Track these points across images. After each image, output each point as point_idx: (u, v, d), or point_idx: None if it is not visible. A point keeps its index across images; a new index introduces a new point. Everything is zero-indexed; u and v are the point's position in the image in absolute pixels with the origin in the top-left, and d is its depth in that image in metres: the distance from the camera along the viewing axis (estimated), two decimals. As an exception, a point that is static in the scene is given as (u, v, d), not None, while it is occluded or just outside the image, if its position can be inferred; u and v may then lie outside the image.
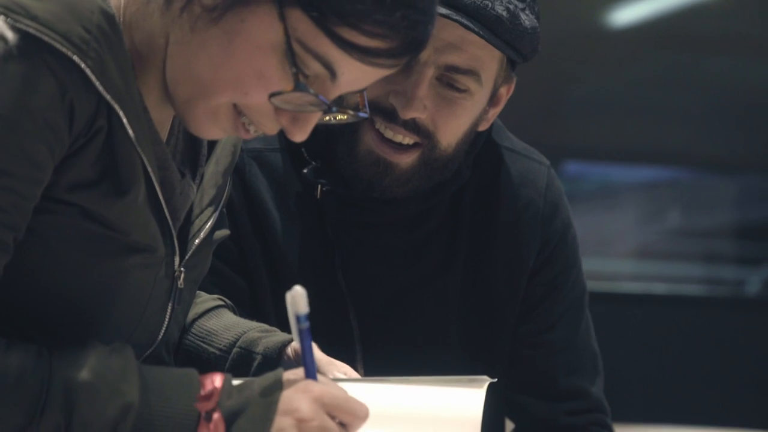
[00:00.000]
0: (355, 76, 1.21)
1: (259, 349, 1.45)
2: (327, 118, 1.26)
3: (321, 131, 1.71)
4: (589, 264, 5.32)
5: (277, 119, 1.23)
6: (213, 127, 1.25)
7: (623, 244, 5.15)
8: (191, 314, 1.51)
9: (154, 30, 1.23)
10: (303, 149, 1.74)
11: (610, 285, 4.95)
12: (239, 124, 1.24)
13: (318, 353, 1.42)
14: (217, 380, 1.20)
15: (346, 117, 1.27)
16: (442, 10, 1.60)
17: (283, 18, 1.17)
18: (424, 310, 1.77)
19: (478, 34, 1.61)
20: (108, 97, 1.18)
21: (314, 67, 1.19)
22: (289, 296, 1.20)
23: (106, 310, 1.25)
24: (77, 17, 1.16)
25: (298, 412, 1.18)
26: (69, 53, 1.15)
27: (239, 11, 1.18)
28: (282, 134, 1.75)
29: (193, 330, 1.50)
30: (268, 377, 1.21)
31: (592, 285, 5.06)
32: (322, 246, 1.74)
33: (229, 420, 1.18)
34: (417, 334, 1.76)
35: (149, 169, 1.23)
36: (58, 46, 1.15)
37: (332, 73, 1.20)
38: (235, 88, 1.20)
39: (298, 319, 1.20)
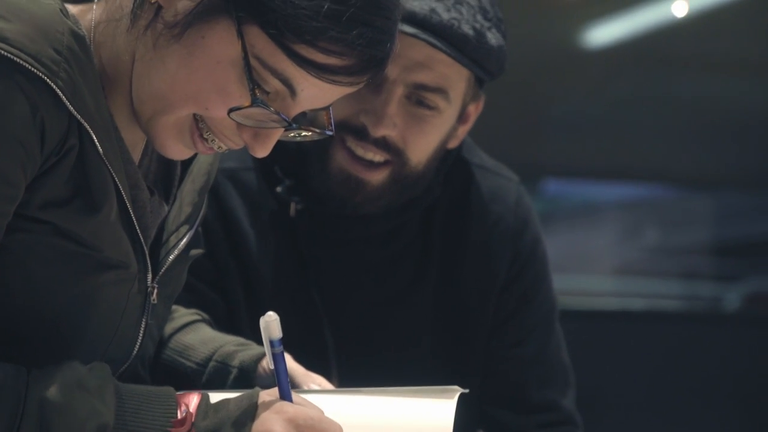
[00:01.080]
0: (315, 93, 1.23)
1: (236, 362, 1.47)
2: (292, 134, 1.28)
3: (293, 150, 1.75)
4: (569, 281, 5.35)
5: (239, 134, 1.25)
6: (176, 143, 1.26)
7: (602, 262, 5.19)
8: (168, 329, 1.53)
9: (121, 49, 1.26)
10: (276, 168, 1.77)
11: (590, 301, 4.98)
12: (197, 138, 1.25)
13: (294, 365, 1.44)
14: (193, 400, 1.21)
15: (311, 134, 1.29)
16: (410, 29, 1.63)
17: (241, 35, 1.19)
18: (397, 324, 1.79)
19: (445, 52, 1.64)
20: (78, 116, 1.20)
21: (273, 84, 1.21)
22: (263, 321, 1.22)
23: (81, 326, 1.27)
24: (48, 39, 1.18)
25: None
26: (40, 74, 1.17)
27: (199, 27, 1.20)
28: (256, 153, 1.79)
29: (170, 344, 1.52)
30: (243, 398, 1.23)
31: (571, 301, 5.10)
32: (296, 263, 1.77)
33: None
34: (391, 347, 1.79)
35: (120, 186, 1.25)
36: (29, 67, 1.17)
37: (291, 90, 1.22)
38: (195, 102, 1.22)
39: (272, 343, 1.23)
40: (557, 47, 4.88)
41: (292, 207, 1.76)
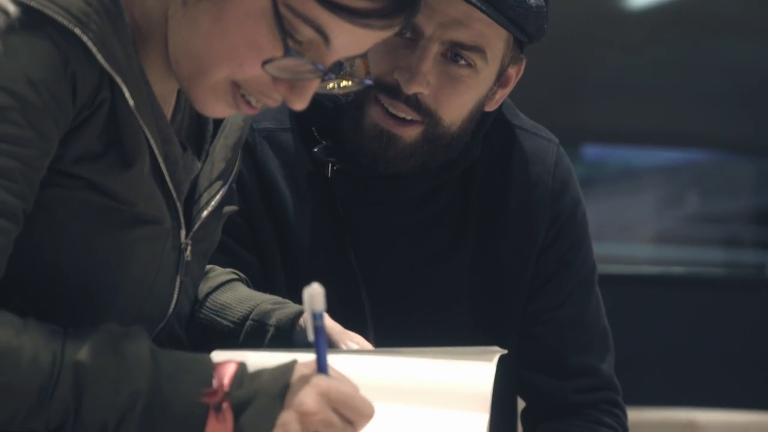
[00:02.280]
0: (349, 39, 1.21)
1: (272, 321, 1.46)
2: (331, 85, 1.26)
3: (330, 110, 1.73)
4: (609, 248, 5.33)
5: (276, 89, 1.23)
6: (216, 103, 1.25)
7: (643, 229, 5.15)
8: (205, 288, 1.52)
9: (153, 7, 1.24)
10: (313, 128, 1.75)
11: (631, 268, 4.95)
12: (240, 100, 1.24)
13: (331, 323, 1.43)
14: (230, 370, 1.20)
15: (350, 84, 1.27)
16: None
17: None
18: (434, 286, 1.78)
19: (481, 9, 1.62)
20: (110, 69, 1.19)
21: (306, 33, 1.19)
22: (307, 293, 1.20)
23: (116, 283, 1.26)
24: None
25: (303, 406, 1.18)
26: (71, 26, 1.16)
27: None
28: (292, 113, 1.78)
29: (207, 303, 1.51)
30: (280, 369, 1.21)
31: (612, 269, 5.07)
32: (333, 224, 1.75)
33: (238, 410, 1.18)
34: (428, 310, 1.78)
35: (151, 141, 1.24)
36: (59, 18, 1.16)
37: (325, 38, 1.20)
38: (229, 60, 1.20)
39: (314, 316, 1.21)
40: (598, 9, 4.84)
41: (330, 168, 1.74)
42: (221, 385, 1.18)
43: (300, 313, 1.45)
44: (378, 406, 1.26)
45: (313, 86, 1.23)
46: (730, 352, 4.44)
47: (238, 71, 1.22)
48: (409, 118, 1.68)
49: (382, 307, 1.75)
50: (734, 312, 4.48)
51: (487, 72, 1.70)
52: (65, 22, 1.16)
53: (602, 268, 5.01)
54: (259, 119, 1.76)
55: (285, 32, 1.18)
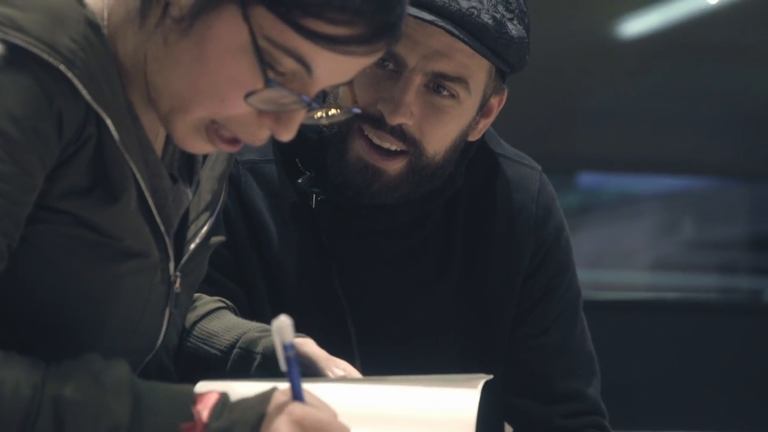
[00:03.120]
0: (331, 68, 1.21)
1: (259, 349, 1.47)
2: (318, 114, 1.27)
3: (314, 141, 1.75)
4: (605, 275, 5.32)
5: (260, 123, 1.23)
6: (195, 140, 1.26)
7: (639, 256, 5.16)
8: (192, 316, 1.53)
9: (135, 44, 1.26)
10: (297, 160, 1.77)
11: (627, 295, 4.95)
12: (216, 138, 1.25)
13: (317, 350, 1.44)
14: (210, 401, 1.21)
15: (337, 112, 1.28)
16: (428, 16, 1.63)
17: (247, 18, 1.18)
18: (420, 315, 1.79)
19: (463, 41, 1.64)
20: (95, 105, 1.21)
21: (287, 64, 1.20)
22: (275, 325, 1.21)
23: (103, 316, 1.27)
24: (64, 28, 1.19)
25: None
26: (56, 63, 1.18)
27: (205, 18, 1.20)
28: (276, 145, 1.79)
29: (194, 332, 1.52)
30: (258, 397, 1.22)
31: (608, 296, 5.07)
32: (318, 255, 1.77)
33: None
34: (414, 338, 1.79)
35: (138, 176, 1.25)
36: (45, 56, 1.17)
37: (306, 67, 1.20)
38: (210, 96, 1.21)
39: (284, 347, 1.22)
40: (591, 38, 4.86)
41: (314, 199, 1.76)
42: (200, 418, 1.19)
43: None
44: None
45: (299, 117, 1.24)
46: (725, 377, 4.44)
47: (219, 108, 1.22)
48: (393, 148, 1.69)
49: (369, 336, 1.76)
50: (730, 337, 4.49)
51: (470, 102, 1.72)
52: (51, 60, 1.17)
53: (599, 295, 5.03)
54: (242, 151, 1.77)
55: (265, 63, 1.19)
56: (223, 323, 1.53)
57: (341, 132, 1.71)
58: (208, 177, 1.39)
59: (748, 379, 4.49)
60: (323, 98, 1.29)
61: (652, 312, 4.62)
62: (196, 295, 1.55)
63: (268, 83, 1.19)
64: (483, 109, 1.75)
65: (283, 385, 1.25)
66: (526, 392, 1.84)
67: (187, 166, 1.40)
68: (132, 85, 1.28)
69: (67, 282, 1.24)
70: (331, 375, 1.43)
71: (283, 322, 1.21)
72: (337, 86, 1.27)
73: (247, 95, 1.20)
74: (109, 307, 1.27)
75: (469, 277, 1.80)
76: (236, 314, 1.58)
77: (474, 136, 1.78)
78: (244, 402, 1.22)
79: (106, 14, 1.27)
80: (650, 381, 4.47)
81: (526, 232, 1.81)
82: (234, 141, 1.26)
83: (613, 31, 4.95)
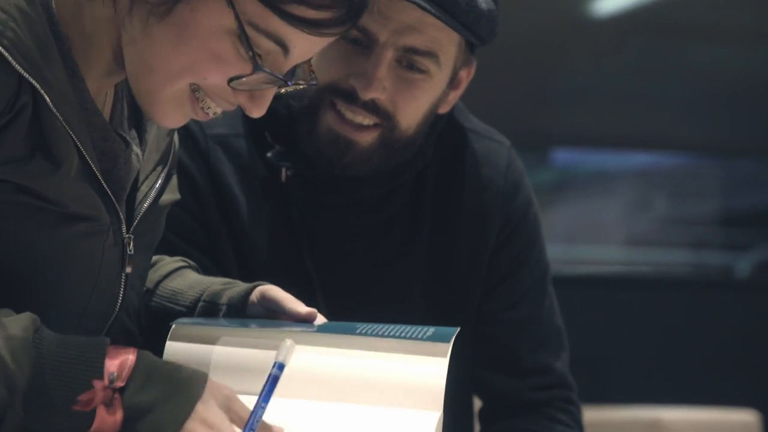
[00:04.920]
0: (306, 47, 1.26)
1: (224, 300, 1.46)
2: (283, 90, 1.30)
3: (283, 115, 1.75)
4: (579, 251, 5.35)
5: (234, 98, 1.27)
6: (175, 114, 1.28)
7: (613, 232, 5.19)
8: (155, 277, 1.53)
9: (100, 17, 1.27)
10: (266, 133, 1.78)
11: (600, 269, 4.98)
12: (197, 107, 1.28)
13: (283, 294, 1.43)
14: (129, 359, 1.20)
15: (301, 86, 1.31)
16: None
17: (231, 4, 1.21)
18: (389, 288, 1.80)
19: (434, 15, 1.65)
20: (27, 75, 1.21)
21: (265, 45, 1.23)
22: (282, 345, 1.25)
23: (57, 281, 1.27)
24: None
25: None
26: None
27: (188, 2, 1.22)
28: (245, 119, 1.80)
29: (158, 291, 1.52)
30: (195, 378, 1.22)
31: (582, 270, 5.09)
32: (288, 229, 1.77)
33: (132, 416, 1.19)
34: (383, 312, 1.78)
35: (78, 143, 1.26)
36: None
37: (285, 49, 1.24)
38: (192, 72, 1.24)
39: (277, 365, 1.24)
40: (566, 16, 4.87)
41: (283, 173, 1.77)
42: (94, 392, 1.18)
43: (251, 289, 1.46)
44: (327, 406, 1.27)
45: (272, 94, 1.28)
46: (697, 351, 4.47)
47: (200, 82, 1.25)
48: (366, 122, 1.70)
49: (338, 310, 1.77)
50: (702, 312, 4.52)
51: (441, 76, 1.72)
52: None
53: (574, 269, 5.05)
54: (211, 125, 1.78)
55: (252, 50, 1.22)
56: (186, 281, 1.53)
57: (312, 105, 1.71)
58: (156, 135, 1.41)
59: (718, 354, 4.53)
60: (291, 74, 1.31)
61: (626, 286, 4.65)
62: (158, 257, 1.56)
63: (255, 68, 1.22)
64: (452, 82, 1.76)
65: (252, 325, 1.28)
66: (494, 365, 1.85)
67: (136, 126, 1.40)
68: (84, 49, 1.28)
69: (15, 246, 1.24)
70: (297, 313, 1.41)
71: (288, 345, 1.25)
72: (302, 62, 1.30)
73: (232, 79, 1.24)
74: (62, 270, 1.27)
75: (438, 251, 1.81)
76: (198, 272, 1.58)
77: (443, 109, 1.79)
78: (177, 374, 1.21)
79: None
80: (623, 355, 4.50)
81: (494, 206, 1.82)
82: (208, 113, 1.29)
83: (588, 9, 4.96)
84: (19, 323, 1.20)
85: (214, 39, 1.22)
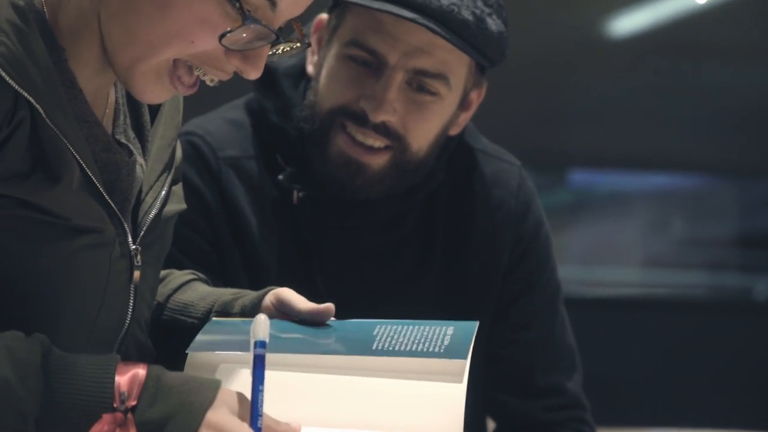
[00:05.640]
0: (292, 0, 1.24)
1: (236, 309, 1.46)
2: (280, 50, 1.28)
3: (294, 137, 1.76)
4: (596, 272, 5.32)
5: (228, 62, 1.25)
6: (155, 87, 1.27)
7: (630, 253, 5.17)
8: (165, 290, 1.53)
9: (82, 7, 1.26)
10: (278, 155, 1.78)
11: (617, 292, 4.96)
12: (176, 80, 1.26)
13: (295, 295, 1.42)
14: (139, 374, 1.19)
15: (295, 46, 1.29)
16: (409, 14, 1.64)
17: None
18: (401, 310, 1.78)
19: (445, 38, 1.65)
20: (21, 90, 1.20)
21: (253, 0, 1.22)
22: (253, 323, 1.22)
23: (64, 295, 1.27)
24: None
25: None
26: None
27: None
28: (257, 142, 1.80)
29: (169, 305, 1.52)
30: (205, 387, 1.21)
31: (598, 292, 5.08)
32: (300, 250, 1.78)
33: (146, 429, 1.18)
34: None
35: (77, 156, 1.25)
36: None
37: (272, 2, 1.23)
38: (179, 38, 1.22)
39: (255, 344, 1.22)
40: (582, 36, 4.87)
41: (295, 194, 1.77)
42: (113, 416, 1.18)
43: (262, 296, 1.45)
44: None
45: (265, 53, 1.26)
46: (714, 374, 4.45)
47: (188, 48, 1.24)
48: (377, 145, 1.70)
49: (350, 331, 1.77)
50: (719, 335, 4.50)
51: (451, 98, 1.73)
52: None
53: (590, 292, 5.02)
54: (223, 147, 1.78)
55: (239, 3, 1.21)
56: (196, 293, 1.52)
57: (323, 127, 1.72)
58: (159, 146, 1.39)
59: (736, 377, 4.50)
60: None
61: (643, 309, 4.63)
62: (168, 270, 1.56)
63: (245, 20, 1.21)
64: (463, 103, 1.77)
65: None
66: (507, 386, 1.85)
67: (139, 136, 1.39)
68: (78, 50, 1.28)
69: (20, 260, 1.24)
70: (313, 310, 1.40)
71: (262, 320, 1.21)
72: (289, 21, 1.28)
73: (222, 36, 1.22)
74: (69, 283, 1.27)
75: (450, 272, 1.81)
76: (208, 285, 1.57)
77: (454, 131, 1.79)
78: (186, 387, 1.20)
79: None
80: (639, 377, 4.47)
81: (505, 227, 1.83)
82: (194, 84, 1.27)
83: (604, 29, 4.96)
84: (27, 347, 1.19)
85: (199, 1, 1.21)
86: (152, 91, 1.28)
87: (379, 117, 1.68)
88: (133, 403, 1.19)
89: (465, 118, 1.79)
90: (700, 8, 4.75)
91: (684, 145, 4.88)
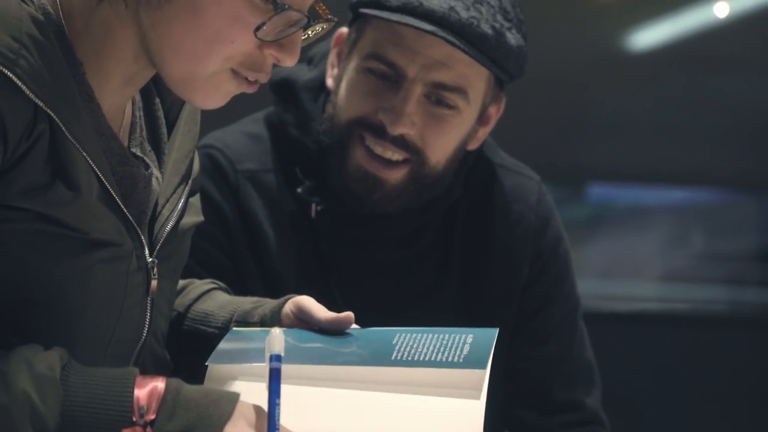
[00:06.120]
0: None
1: (255, 319, 1.46)
2: (310, 34, 1.29)
3: (313, 150, 1.76)
4: (615, 287, 5.31)
5: (265, 55, 1.26)
6: (217, 94, 1.28)
7: (649, 268, 5.15)
8: (186, 300, 1.53)
9: (111, 17, 1.26)
10: (297, 169, 1.78)
11: (636, 306, 4.94)
12: (242, 80, 1.27)
13: (316, 305, 1.41)
14: (158, 388, 1.19)
15: (324, 27, 1.29)
16: (428, 27, 1.64)
17: None
18: (420, 324, 1.79)
19: (464, 51, 1.65)
20: (41, 103, 1.20)
21: None
22: (267, 338, 1.22)
23: (81, 308, 1.27)
24: (5, 27, 1.19)
25: None
26: None
27: None
28: (276, 155, 1.80)
29: (189, 314, 1.51)
30: (223, 400, 1.20)
31: (618, 306, 5.06)
32: (317, 264, 1.77)
33: None
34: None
35: (95, 168, 1.25)
36: None
37: None
38: (219, 41, 1.24)
39: (270, 358, 1.21)
40: (601, 49, 4.86)
41: (313, 208, 1.77)
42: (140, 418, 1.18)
43: (282, 305, 1.45)
44: None
45: (299, 38, 1.27)
46: (733, 389, 4.43)
47: (230, 49, 1.24)
48: (395, 158, 1.70)
49: (367, 345, 1.76)
50: (738, 350, 4.47)
51: (470, 111, 1.72)
52: None
53: (609, 306, 5.00)
54: (241, 160, 1.78)
55: None
56: (216, 302, 1.52)
57: (342, 140, 1.72)
58: (176, 158, 1.39)
59: (755, 393, 4.48)
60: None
61: (661, 324, 4.62)
62: (187, 280, 1.55)
63: (277, 8, 1.22)
64: (481, 118, 1.76)
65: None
66: (525, 402, 1.84)
67: (155, 148, 1.39)
68: (98, 64, 1.28)
69: (38, 274, 1.24)
70: (333, 320, 1.40)
71: (277, 334, 1.21)
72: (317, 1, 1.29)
73: (257, 28, 1.23)
74: (86, 297, 1.27)
75: (468, 287, 1.81)
76: (228, 293, 1.57)
77: (473, 145, 1.79)
78: (205, 401, 1.20)
79: (59, 2, 1.27)
80: (658, 393, 4.45)
81: (524, 242, 1.82)
82: (255, 80, 1.28)
83: (624, 42, 4.95)
84: (46, 361, 1.20)
85: (227, 0, 1.22)
86: (214, 98, 1.29)
87: (397, 129, 1.68)
88: (152, 417, 1.19)
89: (484, 132, 1.79)
90: (719, 22, 4.74)
91: (703, 159, 4.86)
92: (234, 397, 1.22)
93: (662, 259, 5.13)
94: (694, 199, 5.14)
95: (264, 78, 1.28)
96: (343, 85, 1.73)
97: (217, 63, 1.25)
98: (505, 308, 1.81)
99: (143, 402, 1.19)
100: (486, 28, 1.66)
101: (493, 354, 1.81)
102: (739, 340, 4.48)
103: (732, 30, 4.76)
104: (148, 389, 1.20)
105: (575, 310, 1.87)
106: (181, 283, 1.53)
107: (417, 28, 1.64)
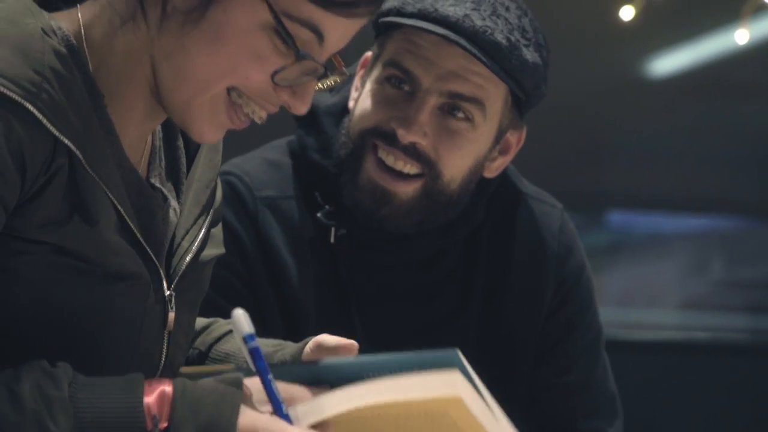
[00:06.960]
0: (339, 33, 1.25)
1: (276, 362, 1.45)
2: (324, 85, 1.29)
3: (333, 174, 1.75)
4: (634, 314, 5.29)
5: (277, 96, 1.26)
6: (211, 124, 1.27)
7: (668, 295, 5.13)
8: (208, 339, 1.52)
9: (132, 50, 1.26)
10: (317, 194, 1.77)
11: (656, 334, 4.92)
12: (233, 114, 1.26)
13: (337, 341, 1.40)
14: (166, 392, 1.18)
15: (338, 80, 1.29)
16: (442, 31, 1.64)
17: None
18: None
19: (475, 56, 1.64)
20: (62, 137, 1.20)
21: (301, 35, 1.23)
22: (232, 318, 1.20)
23: (98, 340, 1.26)
24: (28, 60, 1.18)
25: None
26: (18, 98, 1.17)
27: (219, 3, 1.21)
28: (296, 182, 1.79)
29: (211, 355, 1.51)
30: (229, 394, 1.20)
31: (637, 335, 5.04)
32: (336, 289, 1.76)
33: None
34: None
35: (115, 202, 1.25)
36: (6, 92, 1.16)
37: (319, 36, 1.23)
38: (234, 74, 1.23)
39: (244, 339, 1.20)
40: (621, 76, 4.86)
41: (332, 233, 1.75)
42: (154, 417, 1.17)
43: (302, 349, 1.44)
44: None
45: (313, 87, 1.27)
46: (754, 418, 4.39)
47: (242, 82, 1.24)
48: (407, 169, 1.69)
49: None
50: (760, 378, 4.44)
51: (485, 128, 1.71)
52: (11, 95, 1.17)
53: (628, 335, 4.99)
54: (260, 187, 1.77)
55: (291, 39, 1.22)
56: (238, 344, 1.51)
57: (356, 150, 1.71)
58: (197, 188, 1.39)
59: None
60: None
61: (682, 351, 4.59)
62: (212, 319, 1.55)
63: (299, 56, 1.22)
64: (500, 143, 1.75)
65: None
66: (548, 431, 1.82)
67: (174, 180, 1.39)
68: (122, 95, 1.28)
69: (55, 307, 1.23)
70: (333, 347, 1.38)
71: (237, 314, 1.19)
72: (334, 54, 1.29)
73: (276, 73, 1.23)
74: (103, 330, 1.26)
75: (490, 313, 1.79)
76: None
77: (491, 173, 1.77)
78: (208, 397, 1.19)
79: (83, 27, 1.27)
80: (679, 421, 4.42)
81: (547, 270, 1.80)
82: (247, 117, 1.28)
83: (643, 69, 4.95)
84: (53, 381, 1.18)
85: (251, 36, 1.22)
86: (209, 130, 1.28)
87: (407, 137, 1.66)
88: (165, 425, 1.18)
89: (503, 162, 1.77)
90: (739, 49, 4.72)
91: (722, 186, 4.84)
92: (236, 384, 1.20)
93: (681, 286, 5.11)
94: (713, 226, 5.11)
95: (271, 109, 1.27)
96: (362, 97, 1.73)
97: (218, 91, 1.25)
98: (528, 336, 1.80)
99: (155, 410, 1.18)
100: (499, 37, 1.65)
101: (515, 383, 1.81)
102: (760, 368, 4.45)
103: (752, 57, 4.75)
104: (157, 395, 1.19)
105: (598, 339, 1.85)
106: (206, 321, 1.53)
107: (428, 31, 1.64)
